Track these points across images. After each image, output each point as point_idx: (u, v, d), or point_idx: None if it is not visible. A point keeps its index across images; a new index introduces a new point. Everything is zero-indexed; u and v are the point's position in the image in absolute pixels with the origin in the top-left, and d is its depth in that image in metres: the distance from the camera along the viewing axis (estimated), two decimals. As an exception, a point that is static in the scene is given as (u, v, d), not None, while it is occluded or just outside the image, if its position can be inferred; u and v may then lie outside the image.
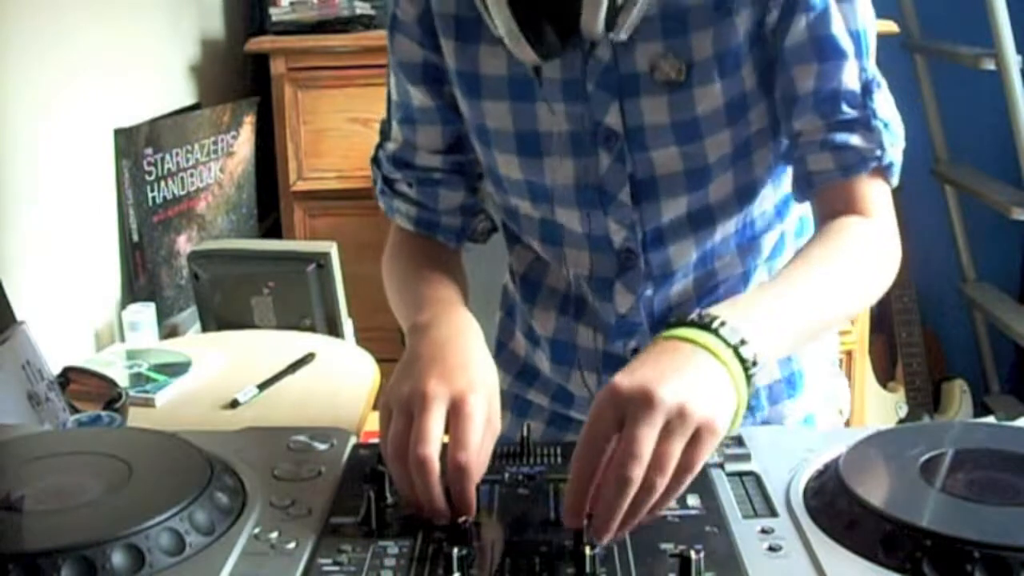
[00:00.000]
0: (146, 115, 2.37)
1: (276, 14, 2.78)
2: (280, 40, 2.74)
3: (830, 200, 1.11)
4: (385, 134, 1.28)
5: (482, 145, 1.20)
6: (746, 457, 0.99)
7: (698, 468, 0.85)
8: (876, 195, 1.11)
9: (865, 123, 1.10)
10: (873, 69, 1.12)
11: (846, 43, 1.09)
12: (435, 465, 0.89)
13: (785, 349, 1.01)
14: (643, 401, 0.83)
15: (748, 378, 0.89)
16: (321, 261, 2.16)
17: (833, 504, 0.89)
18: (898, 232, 1.13)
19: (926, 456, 0.93)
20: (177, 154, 2.45)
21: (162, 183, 2.40)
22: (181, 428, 1.06)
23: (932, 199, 3.31)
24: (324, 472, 0.99)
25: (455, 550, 0.83)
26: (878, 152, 1.09)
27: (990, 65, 2.91)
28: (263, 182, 2.83)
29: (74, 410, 1.49)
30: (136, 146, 2.30)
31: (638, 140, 1.14)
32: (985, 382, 3.43)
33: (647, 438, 0.82)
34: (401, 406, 0.94)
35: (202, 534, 0.87)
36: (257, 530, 0.89)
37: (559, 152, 1.16)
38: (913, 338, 3.26)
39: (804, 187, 1.13)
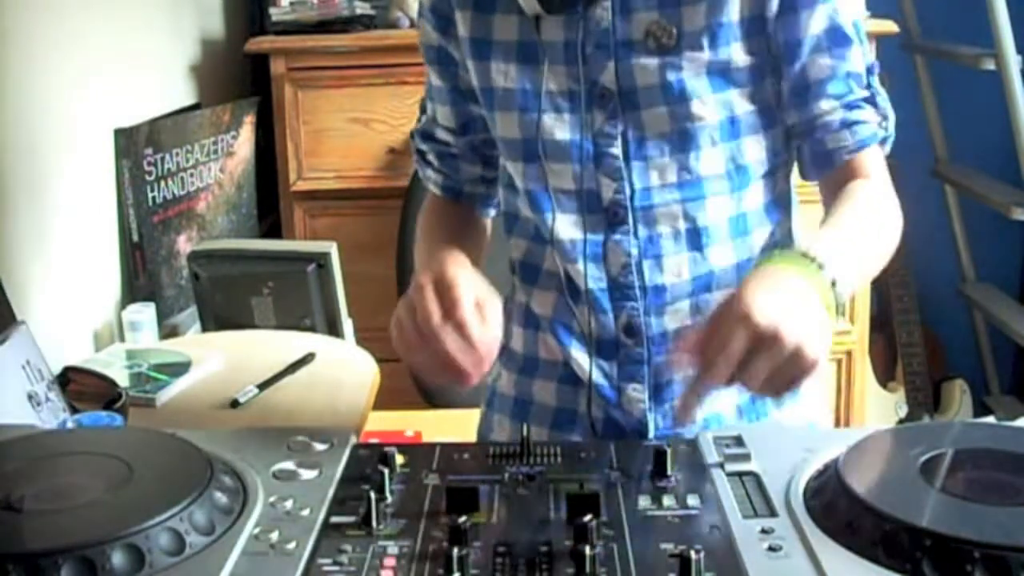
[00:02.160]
0: (146, 115, 2.37)
1: (276, 14, 2.78)
2: (280, 40, 2.74)
3: (842, 174, 1.24)
4: (422, 109, 1.41)
5: (487, 109, 1.29)
6: (746, 457, 0.99)
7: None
8: (878, 161, 1.25)
9: (872, 101, 1.24)
10: (869, 52, 1.26)
11: (851, 32, 1.22)
12: (439, 320, 1.06)
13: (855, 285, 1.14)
14: (772, 338, 0.97)
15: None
16: (321, 261, 2.16)
17: (833, 504, 0.89)
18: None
19: (926, 456, 0.93)
20: (177, 154, 2.45)
21: (162, 183, 2.40)
22: (181, 428, 1.06)
23: (932, 199, 3.31)
24: (324, 472, 0.99)
25: (455, 550, 0.83)
26: (884, 123, 1.24)
27: (990, 65, 2.91)
28: (263, 182, 2.83)
29: (74, 410, 1.49)
30: (136, 146, 2.30)
31: (630, 99, 1.22)
32: (985, 382, 3.43)
33: (763, 370, 0.97)
34: (403, 310, 1.11)
35: (202, 534, 0.87)
36: (257, 530, 0.89)
37: (558, 108, 1.24)
38: (913, 338, 3.26)
39: (822, 164, 1.25)
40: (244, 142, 2.73)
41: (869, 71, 1.23)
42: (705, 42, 1.19)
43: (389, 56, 2.70)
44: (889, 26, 2.70)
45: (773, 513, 0.91)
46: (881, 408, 3.21)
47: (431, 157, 1.39)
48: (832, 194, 1.23)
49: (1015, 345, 3.23)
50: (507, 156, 1.30)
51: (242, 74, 3.03)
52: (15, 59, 1.88)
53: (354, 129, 2.72)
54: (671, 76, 1.20)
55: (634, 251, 1.24)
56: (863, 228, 1.18)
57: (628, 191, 1.23)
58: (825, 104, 1.22)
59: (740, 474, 0.97)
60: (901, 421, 3.17)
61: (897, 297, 3.26)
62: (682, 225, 1.24)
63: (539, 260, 1.32)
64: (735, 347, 0.98)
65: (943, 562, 0.80)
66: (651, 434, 1.25)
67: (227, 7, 3.01)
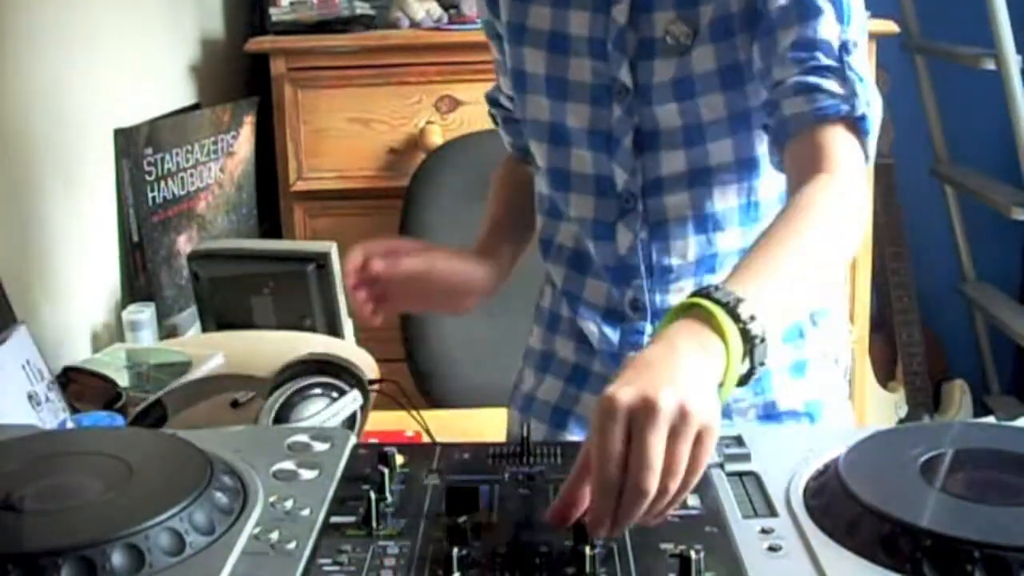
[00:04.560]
0: (146, 115, 2.37)
1: (276, 14, 2.78)
2: (280, 40, 2.74)
3: (801, 154, 1.14)
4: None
5: (516, 90, 1.36)
6: (746, 457, 0.99)
7: (704, 467, 0.85)
8: (845, 149, 1.13)
9: (839, 72, 1.14)
10: (856, 37, 1.16)
11: (825, 4, 1.15)
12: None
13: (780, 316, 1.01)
14: (645, 409, 0.83)
15: (750, 342, 0.93)
16: (321, 261, 2.16)
17: (833, 504, 0.89)
18: (863, 183, 1.16)
19: (926, 456, 0.93)
20: (177, 154, 2.45)
21: (162, 183, 2.40)
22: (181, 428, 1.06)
23: (932, 199, 3.31)
24: (324, 472, 0.99)
25: (455, 550, 0.83)
26: (852, 100, 1.14)
27: (990, 65, 2.90)
28: (263, 182, 2.83)
29: (74, 410, 1.50)
30: (136, 146, 2.30)
31: (645, 96, 1.26)
32: (985, 382, 3.43)
33: (657, 446, 0.82)
34: None
35: (202, 534, 0.87)
36: (257, 530, 0.89)
37: (580, 99, 1.30)
38: (913, 338, 3.26)
39: (780, 136, 1.17)
40: (244, 142, 2.73)
41: (844, 47, 1.15)
42: (710, 37, 1.21)
43: (389, 56, 2.70)
44: (889, 26, 2.70)
45: (773, 513, 0.91)
46: (881, 408, 3.21)
47: (498, 119, 1.50)
48: (793, 187, 1.13)
49: (1015, 345, 3.23)
50: (531, 136, 1.37)
51: (242, 74, 3.03)
52: (15, 59, 1.88)
53: (354, 129, 2.72)
54: (683, 74, 1.23)
55: (643, 235, 1.29)
56: (800, 246, 1.04)
57: (640, 181, 1.28)
58: (783, 70, 1.16)
59: (740, 474, 0.97)
60: (901, 421, 3.16)
61: (897, 297, 3.26)
62: (690, 213, 1.28)
63: (553, 235, 1.39)
64: (649, 441, 0.82)
65: (943, 562, 0.80)
66: None
67: (227, 7, 3.01)
